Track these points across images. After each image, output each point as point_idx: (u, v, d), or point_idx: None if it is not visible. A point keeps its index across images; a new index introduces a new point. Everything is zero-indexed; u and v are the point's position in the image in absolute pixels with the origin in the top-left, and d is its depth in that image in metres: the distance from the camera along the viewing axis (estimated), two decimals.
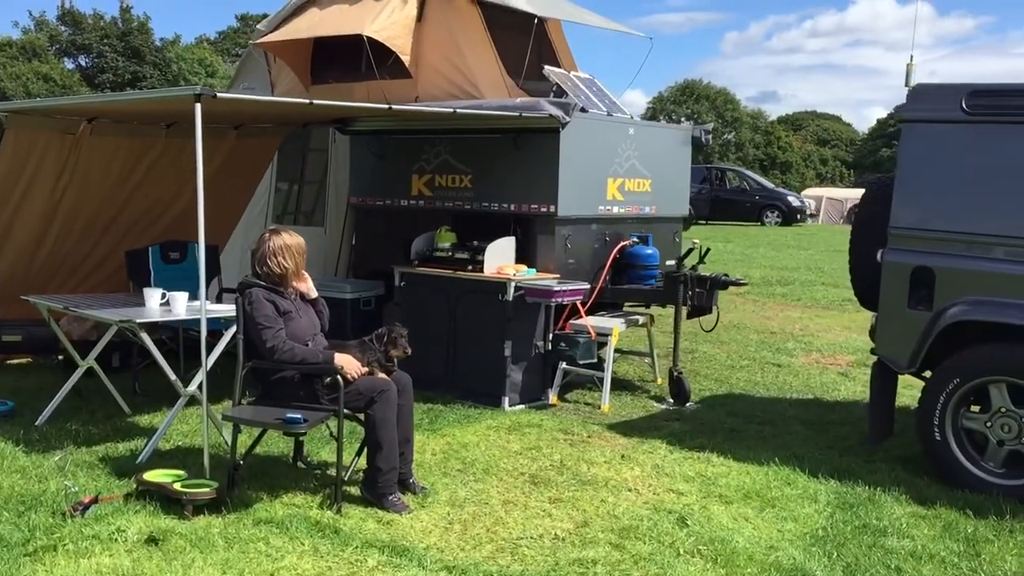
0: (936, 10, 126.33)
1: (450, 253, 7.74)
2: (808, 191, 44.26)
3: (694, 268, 7.78)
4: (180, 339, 7.37)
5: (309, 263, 9.09)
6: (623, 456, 6.12)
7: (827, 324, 11.66)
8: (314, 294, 5.43)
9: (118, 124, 7.29)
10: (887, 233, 5.97)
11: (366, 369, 5.18)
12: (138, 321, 5.53)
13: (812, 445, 6.49)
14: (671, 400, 7.70)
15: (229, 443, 5.82)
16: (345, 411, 5.04)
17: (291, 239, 5.29)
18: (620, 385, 8.06)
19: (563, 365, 7.57)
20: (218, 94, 5.33)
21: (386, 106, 6.59)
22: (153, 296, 6.06)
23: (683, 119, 46.32)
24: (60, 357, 7.09)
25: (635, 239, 8.11)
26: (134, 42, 53.52)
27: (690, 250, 7.70)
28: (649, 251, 8.09)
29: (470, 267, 7.53)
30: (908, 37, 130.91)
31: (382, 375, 5.25)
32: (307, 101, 5.97)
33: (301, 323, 5.23)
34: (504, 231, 7.78)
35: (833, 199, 42.77)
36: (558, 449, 6.25)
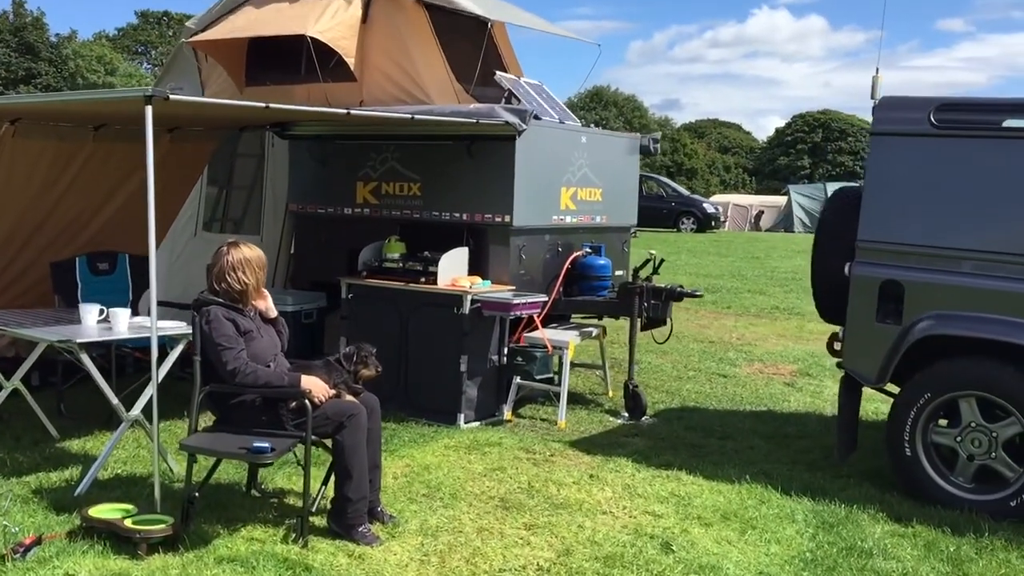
0: (829, 23, 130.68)
1: (401, 264, 7.44)
2: (715, 198, 44.95)
3: (648, 279, 7.64)
4: (112, 357, 6.89)
5: None
6: (591, 476, 5.92)
7: (762, 332, 11.69)
8: (274, 313, 5.08)
9: (43, 126, 6.78)
10: (855, 246, 5.91)
11: (333, 392, 4.86)
12: (78, 341, 5.09)
13: (776, 460, 6.40)
14: (626, 414, 7.54)
15: (176, 471, 5.45)
16: (312, 437, 4.72)
17: (251, 252, 4.94)
18: (572, 399, 7.85)
19: (517, 380, 7.34)
20: (170, 96, 4.93)
21: (344, 111, 6.26)
22: (91, 312, 5.62)
23: (592, 125, 46.70)
24: None
25: (588, 249, 7.94)
26: (28, 38, 51.38)
27: (646, 260, 7.56)
28: (602, 262, 7.92)
29: (423, 279, 7.25)
30: (802, 49, 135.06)
31: (350, 397, 4.94)
32: (263, 104, 5.60)
33: (262, 343, 4.89)
34: (455, 241, 7.52)
35: (739, 205, 43.55)
36: (523, 470, 6.01)
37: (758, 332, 11.72)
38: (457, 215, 7.59)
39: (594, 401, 8.04)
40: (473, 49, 8.54)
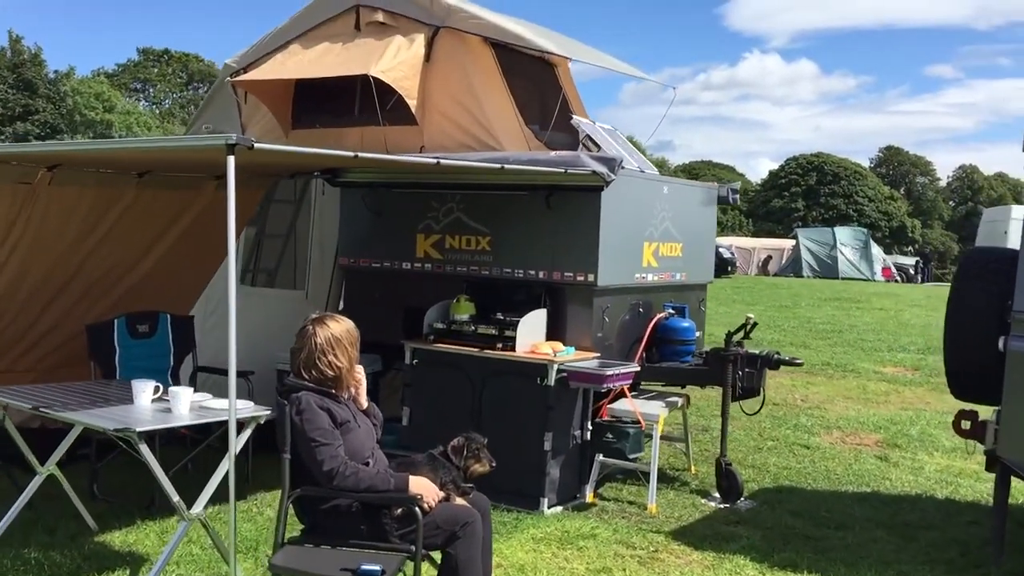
0: (820, 68, 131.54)
1: (472, 327, 6.70)
2: (718, 240, 44.45)
3: (740, 344, 6.91)
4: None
5: (286, 332, 7.98)
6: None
7: (824, 392, 10.96)
8: (365, 403, 4.32)
9: (83, 172, 6.06)
10: (1009, 317, 5.21)
11: (442, 494, 4.11)
12: (138, 430, 4.32)
13: (912, 560, 5.64)
14: (718, 495, 6.79)
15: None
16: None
17: (339, 327, 4.20)
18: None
19: (600, 458, 6.58)
20: (255, 144, 4.23)
21: (433, 160, 5.56)
22: (144, 391, 4.85)
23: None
24: None
25: (670, 310, 7.23)
26: (26, 74, 50.86)
27: (743, 325, 6.83)
28: (685, 324, 7.20)
29: (499, 344, 6.51)
30: (792, 93, 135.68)
31: (460, 500, 4.19)
32: (351, 154, 4.92)
33: (360, 436, 4.13)
34: (528, 301, 6.80)
35: (742, 248, 43.08)
36: (631, 571, 5.25)
37: (820, 392, 10.99)
38: (532, 273, 6.86)
39: (677, 478, 7.27)
40: (536, 90, 7.90)
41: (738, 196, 8.12)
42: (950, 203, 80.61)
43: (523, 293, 6.93)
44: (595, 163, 6.44)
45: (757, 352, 6.87)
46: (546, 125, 7.68)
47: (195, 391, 5.00)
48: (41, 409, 4.65)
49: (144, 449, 4.35)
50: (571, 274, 6.71)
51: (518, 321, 6.50)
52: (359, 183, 7.62)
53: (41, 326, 6.71)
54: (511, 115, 7.41)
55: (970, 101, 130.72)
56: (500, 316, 6.74)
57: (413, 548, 3.90)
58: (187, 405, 4.71)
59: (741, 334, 6.96)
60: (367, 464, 4.06)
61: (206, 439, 5.97)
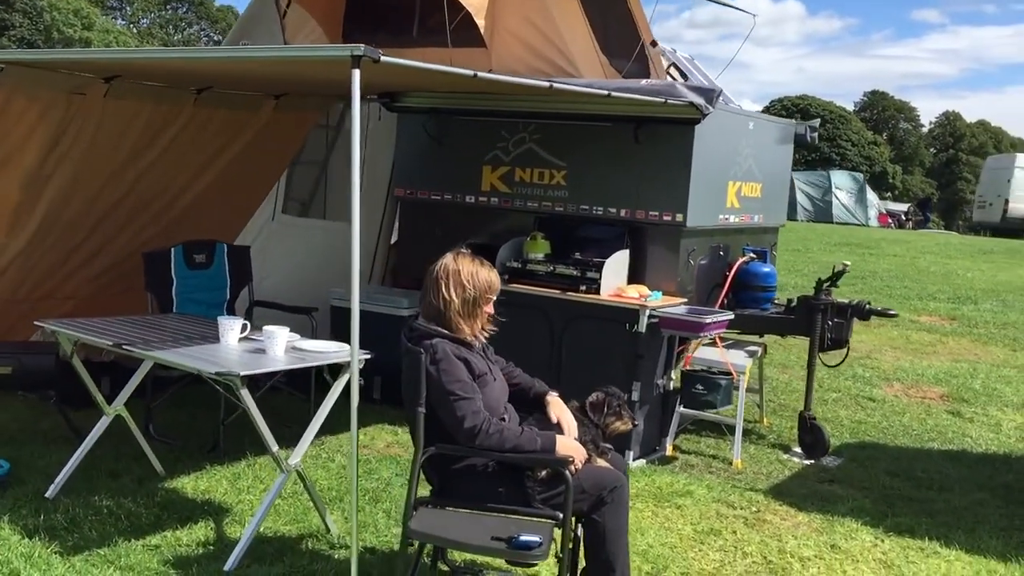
0: (807, 9, 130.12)
1: (550, 267, 6.25)
2: None
3: (827, 292, 6.51)
4: None
5: (335, 266, 7.52)
6: (832, 546, 4.82)
7: (869, 342, 10.60)
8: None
9: (140, 86, 5.51)
10: None
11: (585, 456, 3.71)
12: (242, 374, 3.86)
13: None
14: (800, 451, 6.46)
15: (335, 532, 4.28)
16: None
17: (466, 264, 3.76)
18: (719, 427, 6.72)
19: (682, 410, 6.22)
20: (381, 58, 3.72)
21: (546, 83, 5.06)
22: (232, 328, 4.38)
23: None
24: (53, 393, 5.30)
25: (752, 254, 6.81)
26: None
27: (840, 271, 6.41)
28: (767, 269, 6.79)
29: (582, 287, 6.07)
30: (777, 34, 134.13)
31: (602, 462, 3.79)
32: (470, 73, 4.41)
33: (496, 389, 3.71)
34: (606, 241, 6.37)
35: None
36: (742, 535, 4.90)
37: (865, 341, 10.62)
38: (612, 211, 6.41)
39: (751, 431, 6.91)
40: (607, 14, 7.36)
41: (817, 135, 7.65)
42: (931, 150, 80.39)
43: (601, 232, 6.49)
44: (693, 94, 5.95)
45: (847, 301, 6.49)
46: (617, 52, 7.16)
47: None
48: (124, 347, 4.17)
49: (245, 394, 3.90)
50: (656, 213, 6.27)
51: (602, 262, 6.06)
52: (419, 108, 7.10)
53: (84, 251, 6.21)
54: (587, 39, 6.90)
55: (953, 47, 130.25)
56: (579, 256, 6.31)
57: (558, 515, 3.51)
58: (283, 346, 4.25)
59: (829, 282, 6.57)
60: (503, 420, 3.64)
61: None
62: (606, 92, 5.54)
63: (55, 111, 5.23)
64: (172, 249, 5.83)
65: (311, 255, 7.67)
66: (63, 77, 5.14)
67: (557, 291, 6.13)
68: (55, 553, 4.03)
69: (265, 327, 4.27)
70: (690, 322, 5.77)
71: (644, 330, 5.82)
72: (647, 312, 5.82)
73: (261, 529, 4.45)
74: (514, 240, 6.49)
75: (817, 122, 7.75)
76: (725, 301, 6.62)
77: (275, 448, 4.11)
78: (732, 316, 6.15)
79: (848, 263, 6.48)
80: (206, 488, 4.96)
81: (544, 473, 3.57)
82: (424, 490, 3.68)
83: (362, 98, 7.23)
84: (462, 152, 6.97)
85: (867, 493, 5.70)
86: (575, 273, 6.14)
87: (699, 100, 5.94)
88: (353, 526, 3.75)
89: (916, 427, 7.30)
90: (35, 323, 4.67)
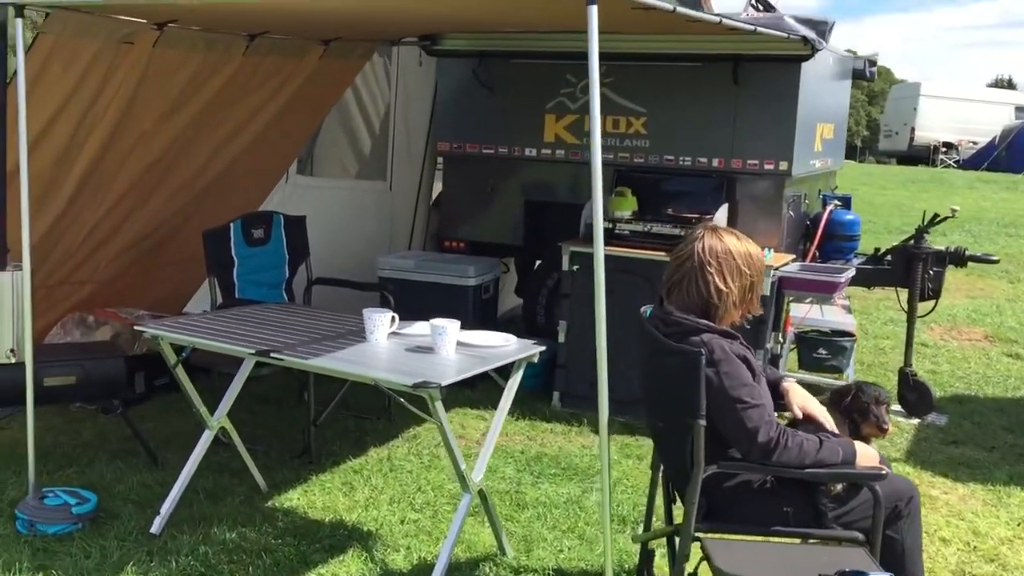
0: None
1: (647, 227, 5.64)
2: None
3: (921, 239, 6.10)
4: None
5: (374, 232, 6.74)
6: (1020, 523, 4.44)
7: None
8: None
9: (193, 33, 4.60)
10: None
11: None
12: (444, 384, 3.14)
13: None
14: (902, 408, 6.09)
15: (511, 554, 3.67)
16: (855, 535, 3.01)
17: (736, 243, 3.11)
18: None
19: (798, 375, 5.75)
20: None
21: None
22: (381, 323, 3.64)
23: None
24: (118, 402, 4.44)
25: (836, 202, 6.35)
26: None
27: (943, 217, 5.98)
28: (850, 216, 6.34)
29: None
30: None
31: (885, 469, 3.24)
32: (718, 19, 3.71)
33: (767, 391, 3.11)
34: (697, 194, 5.81)
35: None
36: (923, 515, 4.47)
37: None
38: (704, 160, 5.84)
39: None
40: None
41: (875, 71, 7.20)
42: None
43: (689, 185, 5.91)
44: (804, 27, 5.39)
45: (942, 249, 6.10)
46: None
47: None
48: (273, 355, 3.39)
49: (439, 407, 3.20)
50: (756, 162, 5.73)
51: (709, 218, 5.49)
52: (466, 52, 6.33)
53: (104, 228, 5.28)
54: None
55: None
56: (671, 212, 5.73)
57: (858, 535, 2.97)
58: (454, 345, 3.55)
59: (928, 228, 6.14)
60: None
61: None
62: (717, 19, 4.85)
63: (99, 65, 4.31)
64: (231, 225, 4.98)
65: (337, 220, 6.85)
66: (114, 24, 4.21)
67: (662, 254, 5.53)
68: None
69: (433, 322, 3.54)
70: (822, 282, 5.27)
71: (768, 292, 5.29)
72: (771, 273, 5.29)
73: (423, 554, 3.79)
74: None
75: (877, 55, 7.29)
76: (817, 254, 6.15)
77: (463, 466, 3.43)
78: (854, 272, 5.68)
79: (957, 207, 6.06)
80: (325, 505, 4.23)
81: (840, 488, 3.02)
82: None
83: (397, 41, 6.46)
84: (520, 100, 6.26)
85: (1003, 454, 5.36)
86: (677, 232, 5.54)
87: (811, 34, 5.38)
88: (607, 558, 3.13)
89: (992, 375, 7.03)
90: (136, 328, 3.81)
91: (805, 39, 5.34)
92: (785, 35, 5.16)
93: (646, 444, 4.95)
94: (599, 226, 3.18)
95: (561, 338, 5.77)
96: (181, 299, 6.43)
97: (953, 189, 20.35)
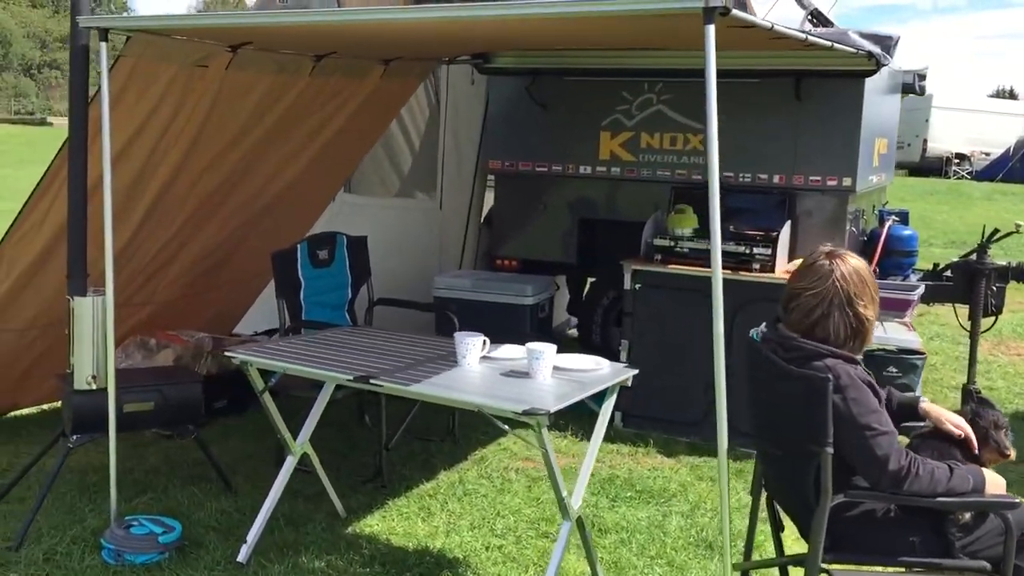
0: None
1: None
2: None
3: (984, 254, 6.03)
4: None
5: (411, 248, 6.68)
6: None
7: None
8: None
9: (266, 54, 4.55)
10: None
11: None
12: (552, 410, 3.07)
13: None
14: None
15: None
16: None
17: (862, 265, 3.05)
18: None
19: None
20: (733, 11, 2.97)
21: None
22: (473, 347, 3.58)
23: None
24: (193, 427, 4.37)
25: (894, 217, 6.29)
26: None
27: (1008, 232, 5.92)
28: (908, 232, 6.30)
29: (755, 265, 5.43)
30: None
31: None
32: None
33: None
34: (757, 211, 5.75)
35: None
36: None
37: None
38: (764, 177, 5.79)
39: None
40: None
41: (924, 84, 7.15)
42: None
43: (748, 201, 5.85)
44: (868, 42, 5.34)
45: (1004, 264, 6.04)
46: None
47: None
48: (372, 381, 3.32)
49: (545, 434, 3.14)
50: (818, 178, 5.68)
51: (772, 235, 5.43)
52: (518, 70, 6.29)
53: (169, 249, 5.25)
54: None
55: None
56: (733, 230, 5.66)
57: (986, 566, 2.90)
58: (551, 369, 3.48)
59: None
60: None
61: None
62: (804, 35, 4.80)
63: (175, 88, 4.26)
64: (298, 246, 4.92)
65: (386, 238, 6.79)
66: (191, 47, 4.16)
67: (728, 271, 5.47)
68: None
69: (530, 345, 3.48)
70: (896, 300, 5.21)
71: None
72: None
73: None
74: (654, 216, 5.79)
75: (927, 69, 7.24)
76: (877, 271, 6.09)
77: (563, 492, 3.36)
78: (923, 289, 5.61)
79: (1021, 223, 5.99)
80: (405, 531, 4.16)
81: (969, 516, 2.94)
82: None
83: (452, 60, 6.42)
84: (574, 117, 6.22)
85: None
86: (743, 250, 5.48)
87: (876, 49, 5.33)
88: None
89: None
90: (226, 353, 3.75)
91: (870, 54, 5.29)
92: (854, 51, 5.11)
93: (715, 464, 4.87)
94: (717, 250, 3.09)
95: (623, 357, 5.70)
96: (232, 320, 6.39)
97: (972, 201, 20.32)
